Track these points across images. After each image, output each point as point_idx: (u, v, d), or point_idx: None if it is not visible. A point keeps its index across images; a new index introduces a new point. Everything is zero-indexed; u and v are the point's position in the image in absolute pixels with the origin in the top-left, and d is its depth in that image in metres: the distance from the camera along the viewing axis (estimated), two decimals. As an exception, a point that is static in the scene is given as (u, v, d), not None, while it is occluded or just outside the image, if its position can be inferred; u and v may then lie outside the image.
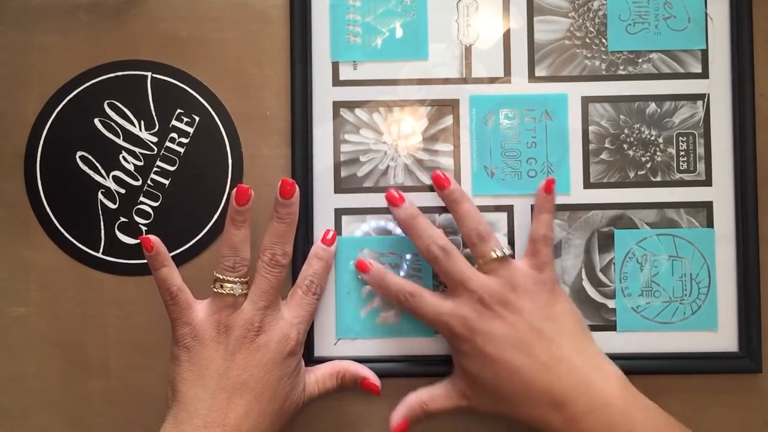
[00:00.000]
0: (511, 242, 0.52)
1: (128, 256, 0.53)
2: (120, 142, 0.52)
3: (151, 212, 0.53)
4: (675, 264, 0.52)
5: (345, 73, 0.53)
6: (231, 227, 0.48)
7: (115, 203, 0.52)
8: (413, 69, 0.52)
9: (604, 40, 0.52)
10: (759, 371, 0.51)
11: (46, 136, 0.53)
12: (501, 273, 0.48)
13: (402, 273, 0.52)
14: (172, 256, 0.52)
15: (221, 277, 0.48)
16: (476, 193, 0.52)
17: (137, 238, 0.51)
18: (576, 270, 0.52)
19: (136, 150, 0.52)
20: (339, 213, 0.52)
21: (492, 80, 0.52)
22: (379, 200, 0.52)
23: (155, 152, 0.53)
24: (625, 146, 0.52)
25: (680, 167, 0.52)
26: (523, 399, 0.46)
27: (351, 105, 0.53)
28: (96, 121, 0.52)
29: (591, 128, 0.52)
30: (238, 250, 0.48)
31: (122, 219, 0.52)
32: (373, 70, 0.53)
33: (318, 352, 0.52)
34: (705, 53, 0.52)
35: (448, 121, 0.52)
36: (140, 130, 0.52)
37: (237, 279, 0.48)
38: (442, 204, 0.52)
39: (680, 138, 0.52)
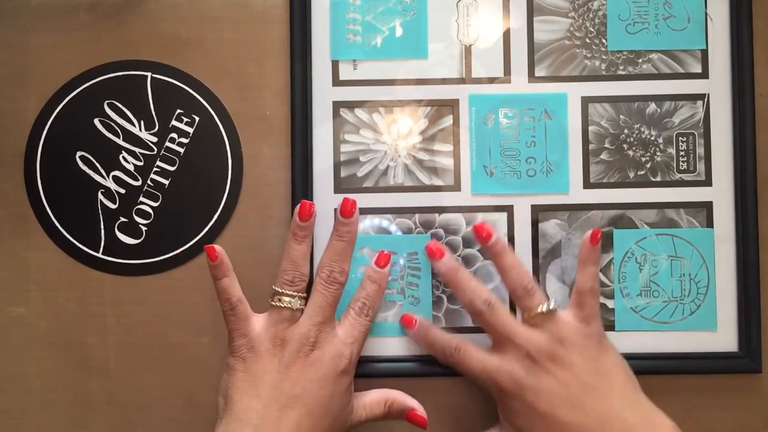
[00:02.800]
0: (511, 241, 0.52)
1: (128, 256, 0.53)
2: (120, 142, 0.52)
3: (151, 212, 0.53)
4: (674, 264, 0.52)
5: (345, 72, 0.53)
6: (292, 242, 0.49)
7: (115, 203, 0.53)
8: (413, 68, 0.52)
9: (604, 40, 0.52)
10: (759, 371, 0.51)
11: (46, 136, 0.53)
12: (548, 327, 0.47)
13: (400, 271, 0.52)
14: (172, 257, 0.52)
15: (280, 290, 0.48)
16: (475, 193, 0.52)
17: (203, 247, 0.50)
18: (575, 270, 0.52)
19: (136, 150, 0.52)
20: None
21: (492, 80, 0.52)
22: (379, 200, 0.52)
23: (155, 152, 0.53)
24: (625, 146, 0.52)
25: (680, 167, 0.52)
26: None
27: (351, 105, 0.53)
28: (96, 121, 0.53)
29: (591, 128, 0.52)
30: (298, 265, 0.49)
31: (122, 219, 0.52)
32: (373, 69, 0.53)
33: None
34: (705, 53, 0.52)
35: (448, 121, 0.52)
36: (140, 130, 0.52)
37: (295, 293, 0.48)
38: (442, 204, 0.52)
39: (680, 138, 0.52)
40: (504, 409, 0.48)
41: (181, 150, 0.53)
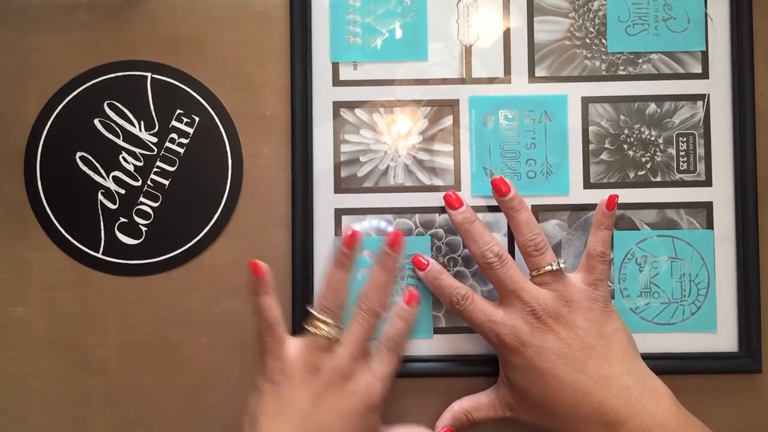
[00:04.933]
0: (511, 242, 0.52)
1: (128, 257, 0.53)
2: (120, 142, 0.52)
3: (151, 212, 0.53)
4: (674, 265, 0.52)
5: (345, 73, 0.53)
6: (336, 269, 0.49)
7: (115, 203, 0.52)
8: (413, 69, 0.52)
9: (604, 41, 0.52)
10: (759, 371, 0.51)
11: (46, 136, 0.53)
12: (555, 287, 0.48)
13: (401, 273, 0.52)
14: (172, 257, 0.52)
15: (319, 317, 0.48)
16: (475, 194, 0.52)
17: (246, 262, 0.50)
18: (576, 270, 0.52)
19: (136, 150, 0.52)
20: (339, 213, 0.52)
21: (492, 80, 0.52)
22: (379, 200, 0.52)
23: (155, 153, 0.53)
24: (625, 146, 0.52)
25: (680, 167, 0.52)
26: (573, 416, 0.45)
27: (351, 105, 0.53)
28: (96, 121, 0.53)
29: (591, 128, 0.52)
30: (339, 293, 0.49)
31: (122, 219, 0.52)
32: (373, 70, 0.53)
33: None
34: (705, 54, 0.52)
35: (448, 121, 0.52)
36: (140, 130, 0.52)
37: (333, 322, 0.48)
38: (442, 204, 0.52)
39: (680, 138, 0.52)
40: (504, 364, 0.48)
41: (181, 150, 0.53)
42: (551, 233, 0.52)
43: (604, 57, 0.52)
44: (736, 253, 0.52)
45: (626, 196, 0.52)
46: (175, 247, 0.53)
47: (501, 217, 0.52)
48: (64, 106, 0.53)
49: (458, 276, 0.52)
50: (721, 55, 0.52)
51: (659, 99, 0.52)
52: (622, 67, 0.52)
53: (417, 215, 0.52)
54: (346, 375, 0.47)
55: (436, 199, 0.52)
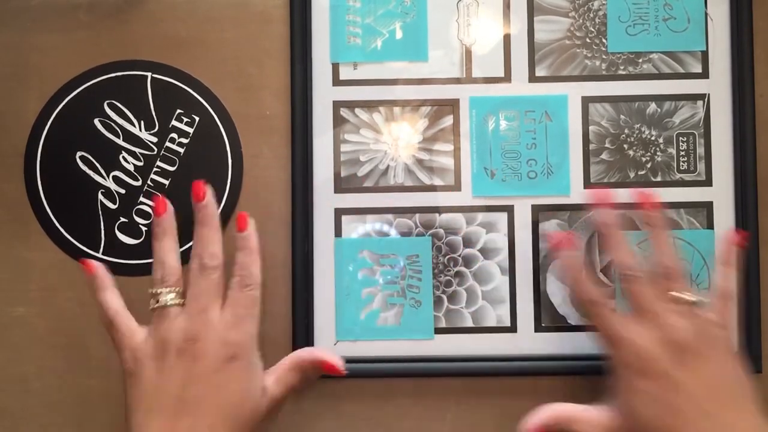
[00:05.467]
0: (512, 243, 0.52)
1: (128, 257, 0.53)
2: (120, 142, 0.52)
3: (152, 212, 0.52)
4: (675, 264, 0.52)
5: (345, 72, 0.53)
6: (153, 240, 0.48)
7: (115, 203, 0.52)
8: (413, 70, 0.52)
9: (604, 40, 0.52)
10: (759, 371, 0.51)
11: (46, 136, 0.53)
12: (694, 320, 0.45)
13: (400, 272, 0.52)
14: None
15: (153, 290, 0.47)
16: (477, 194, 0.52)
17: (82, 263, 0.49)
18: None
19: (136, 150, 0.52)
20: (339, 213, 0.52)
21: (492, 81, 0.52)
22: (379, 200, 0.52)
23: (155, 152, 0.52)
24: (626, 146, 0.52)
25: (680, 167, 0.52)
26: None
27: (351, 105, 0.53)
28: (96, 121, 0.52)
29: (591, 128, 0.52)
30: (163, 262, 0.47)
31: (122, 219, 0.52)
32: (373, 70, 0.52)
33: (318, 352, 0.52)
34: (705, 53, 0.52)
35: (448, 121, 0.52)
36: (140, 130, 0.52)
37: (167, 289, 0.46)
38: (443, 204, 0.52)
39: (680, 138, 0.52)
40: (625, 388, 0.45)
41: (181, 150, 0.53)
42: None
43: (604, 57, 0.52)
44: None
45: (626, 195, 0.52)
46: None
47: (503, 217, 0.52)
48: (64, 105, 0.53)
49: (458, 276, 0.52)
50: (721, 54, 0.52)
51: (659, 99, 0.52)
52: (622, 67, 0.52)
53: (417, 215, 0.52)
54: (193, 337, 0.45)
55: (436, 199, 0.52)
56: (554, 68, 0.52)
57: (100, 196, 0.52)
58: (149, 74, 0.52)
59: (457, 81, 0.52)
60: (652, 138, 0.52)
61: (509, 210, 0.52)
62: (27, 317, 0.53)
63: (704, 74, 0.52)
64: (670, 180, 0.52)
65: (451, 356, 0.52)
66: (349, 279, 0.52)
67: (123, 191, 0.52)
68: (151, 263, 0.50)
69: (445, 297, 0.52)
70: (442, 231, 0.52)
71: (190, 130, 0.53)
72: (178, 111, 0.53)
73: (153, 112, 0.52)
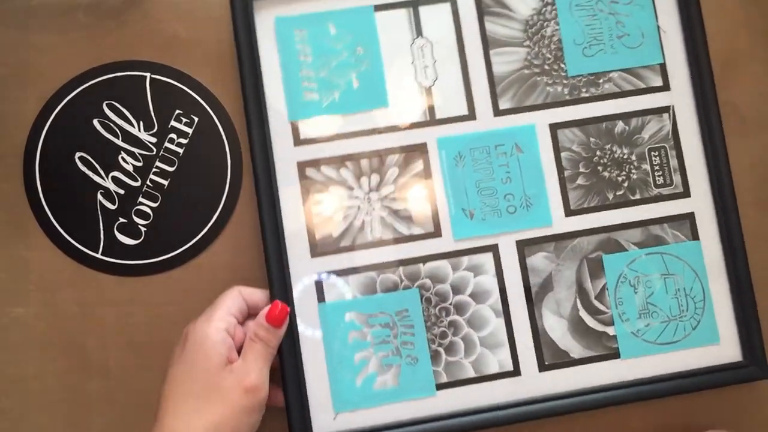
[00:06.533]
0: (501, 282, 0.50)
1: (127, 257, 0.51)
2: (119, 142, 0.52)
3: (151, 213, 0.52)
4: (668, 282, 0.51)
5: (306, 131, 0.50)
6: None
7: (114, 204, 0.51)
8: (376, 118, 0.51)
9: (562, 65, 0.52)
10: (766, 377, 0.50)
11: (45, 136, 0.52)
12: None
13: (392, 330, 0.49)
14: (172, 257, 0.52)
15: None
16: (458, 237, 0.50)
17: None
18: (570, 301, 0.50)
19: (135, 151, 0.52)
20: (319, 281, 0.49)
21: (457, 119, 0.51)
22: (358, 259, 0.50)
23: (154, 153, 0.52)
24: (600, 168, 0.51)
25: (657, 182, 0.52)
26: None
27: (316, 163, 0.50)
28: (95, 121, 0.52)
29: (563, 155, 0.51)
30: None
31: (121, 219, 0.51)
32: (335, 124, 0.50)
33: (317, 429, 0.48)
34: (663, 66, 0.52)
35: (419, 166, 0.51)
36: (139, 130, 0.52)
37: None
38: (426, 252, 0.50)
39: (652, 153, 0.52)
40: None
41: (180, 150, 0.51)
42: (540, 267, 0.50)
43: (565, 81, 0.52)
44: (725, 260, 0.51)
45: (608, 217, 0.51)
46: (174, 247, 0.52)
47: (488, 258, 0.50)
48: (63, 106, 0.52)
49: (452, 325, 0.50)
50: (679, 64, 0.52)
51: (625, 116, 0.52)
52: (584, 89, 0.52)
53: (401, 268, 0.50)
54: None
55: (418, 249, 0.50)
56: (517, 99, 0.51)
57: (99, 197, 0.52)
58: (148, 75, 0.52)
59: (421, 124, 0.51)
60: (625, 156, 0.51)
61: (494, 249, 0.50)
62: (26, 317, 0.51)
63: (665, 86, 0.52)
64: (649, 196, 0.51)
65: (456, 411, 0.49)
66: (339, 345, 0.49)
67: (122, 192, 0.51)
68: (149, 263, 0.51)
69: (442, 350, 0.50)
70: (428, 281, 0.50)
71: (189, 131, 0.52)
72: (177, 111, 0.52)
73: (152, 113, 0.52)
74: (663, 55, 0.52)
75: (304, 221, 0.50)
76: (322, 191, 0.50)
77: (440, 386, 0.49)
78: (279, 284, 0.48)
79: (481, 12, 0.51)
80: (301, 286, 0.49)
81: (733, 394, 0.51)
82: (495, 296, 0.50)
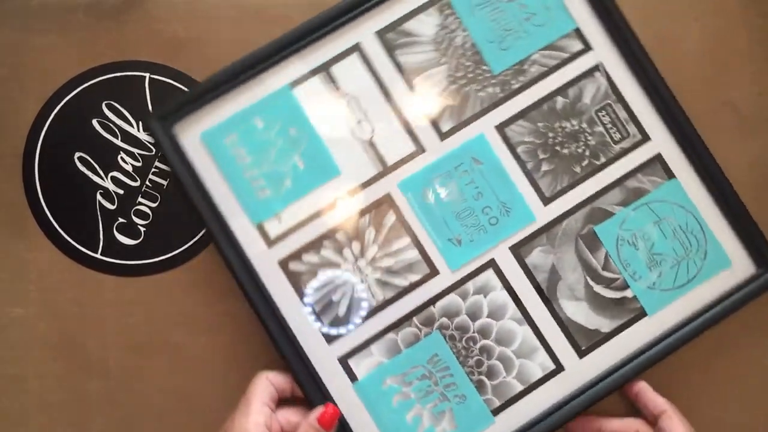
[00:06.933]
0: (512, 291, 0.50)
1: (127, 257, 0.52)
2: (118, 142, 0.52)
3: (150, 213, 0.52)
4: (662, 227, 0.51)
5: (273, 229, 0.50)
6: None
7: (113, 204, 0.52)
8: (333, 188, 0.50)
9: (485, 67, 0.52)
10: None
11: (44, 136, 0.52)
12: None
13: (431, 380, 0.50)
14: (171, 257, 0.52)
15: None
16: (455, 268, 0.50)
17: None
18: (582, 282, 0.51)
19: (135, 151, 0.52)
20: (344, 361, 0.50)
21: (408, 158, 0.51)
22: (371, 328, 0.50)
23: (153, 153, 0.52)
24: (558, 148, 0.52)
25: (615, 138, 0.52)
26: None
27: (296, 256, 0.50)
28: (94, 121, 0.52)
29: (519, 150, 0.51)
30: None
31: (121, 220, 0.52)
32: (298, 211, 0.50)
33: (400, 499, 0.49)
34: (578, 30, 0.52)
35: (391, 217, 0.51)
36: (138, 131, 0.52)
37: None
38: (431, 294, 0.50)
39: (599, 114, 0.52)
40: None
41: None
42: (540, 262, 0.51)
43: (493, 81, 0.52)
44: (705, 185, 0.52)
45: (584, 190, 0.51)
46: (173, 247, 0.52)
47: (489, 276, 0.50)
48: (62, 106, 0.52)
49: (483, 351, 0.50)
50: (591, 21, 0.52)
51: (561, 90, 0.52)
52: (513, 81, 0.52)
53: (414, 318, 0.50)
54: None
55: (423, 295, 0.50)
56: (456, 116, 0.51)
57: (99, 197, 0.52)
58: (147, 75, 0.52)
59: (378, 176, 0.51)
60: (576, 127, 0.52)
61: (492, 264, 0.51)
62: (26, 318, 0.52)
63: (587, 48, 0.52)
64: (613, 155, 0.52)
65: (520, 427, 0.49)
66: (388, 413, 0.49)
67: (121, 192, 0.52)
68: (149, 263, 0.51)
69: (483, 377, 0.50)
70: (445, 319, 0.50)
71: None
72: None
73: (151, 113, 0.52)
74: (573, 19, 0.52)
75: (307, 313, 0.50)
76: (311, 278, 0.50)
77: (495, 411, 0.50)
78: (310, 386, 0.48)
79: (389, 48, 0.51)
80: (328, 376, 0.49)
81: (760, 307, 0.52)
82: (511, 307, 0.50)
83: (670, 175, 0.52)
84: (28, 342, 0.52)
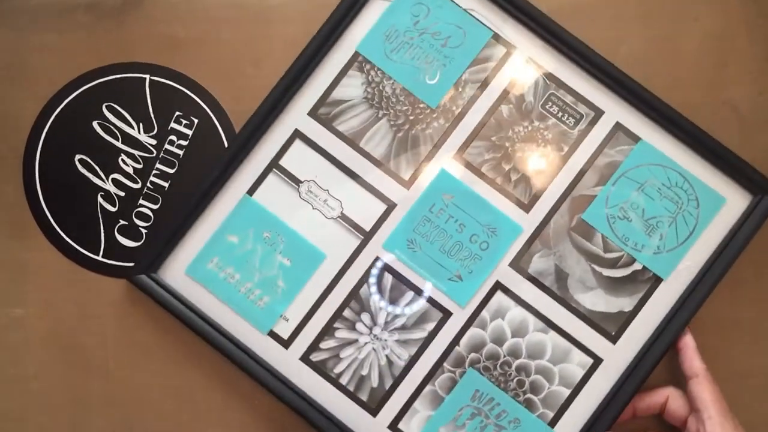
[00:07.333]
0: (526, 305, 0.51)
1: (128, 259, 0.53)
2: (119, 145, 0.52)
3: (151, 215, 0.52)
4: (647, 190, 0.51)
5: (283, 331, 0.51)
6: None
7: (114, 206, 0.52)
8: (326, 273, 0.51)
9: (422, 105, 0.52)
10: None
11: (44, 139, 0.53)
12: None
13: (482, 415, 0.50)
14: None
15: None
16: (465, 302, 0.51)
17: None
18: (589, 271, 0.51)
19: (135, 153, 0.52)
20: (394, 427, 0.51)
21: (382, 220, 0.51)
22: (409, 387, 0.51)
23: (154, 155, 0.53)
24: (520, 154, 0.52)
25: (569, 123, 0.52)
26: None
27: (314, 347, 0.51)
28: (95, 124, 0.52)
29: (484, 169, 0.51)
30: None
31: (122, 222, 0.52)
32: (300, 306, 0.51)
33: None
34: (495, 35, 0.52)
35: (389, 279, 0.51)
36: (139, 132, 0.52)
37: None
38: (453, 334, 0.51)
39: (546, 105, 0.52)
40: None
41: (180, 152, 0.52)
42: (543, 267, 0.51)
43: (434, 115, 0.52)
44: (672, 134, 0.51)
45: (558, 184, 0.51)
46: None
47: (500, 299, 0.51)
48: (62, 108, 0.53)
49: (520, 371, 0.51)
50: (503, 22, 0.52)
51: (502, 98, 0.51)
52: (454, 107, 0.51)
53: (444, 364, 0.51)
54: None
55: (445, 338, 0.51)
56: (413, 160, 0.52)
57: (100, 199, 0.52)
58: (147, 76, 0.53)
59: (362, 245, 0.51)
60: (529, 128, 0.52)
61: (498, 286, 0.51)
62: (26, 318, 0.52)
63: (510, 48, 0.51)
64: (574, 139, 0.51)
65: (582, 430, 0.50)
66: (454, 458, 0.51)
67: (122, 194, 0.52)
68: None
69: (529, 395, 0.51)
70: (474, 354, 0.51)
71: (189, 132, 0.53)
72: (177, 113, 0.53)
73: (152, 115, 0.53)
74: (487, 27, 0.52)
75: (343, 396, 0.51)
76: (337, 362, 0.51)
77: (552, 422, 0.50)
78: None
79: (326, 123, 0.52)
80: (385, 445, 0.51)
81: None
82: (532, 320, 0.51)
83: (635, 138, 0.51)
84: (28, 342, 0.52)
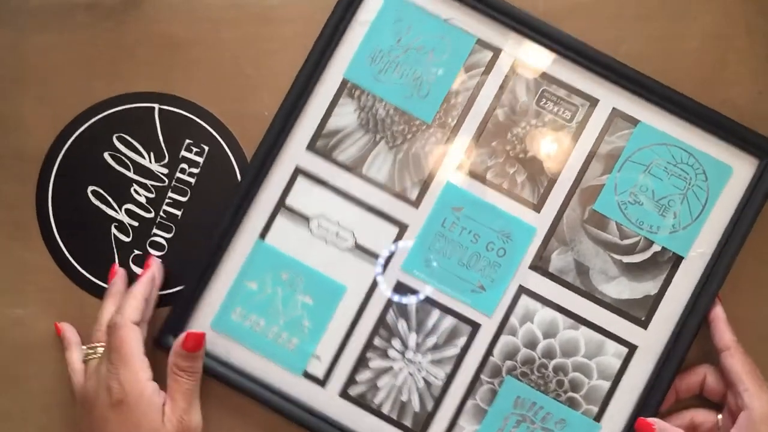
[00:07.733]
0: (553, 304, 0.50)
1: None
2: (131, 175, 0.52)
3: (165, 244, 0.52)
4: (654, 171, 0.51)
5: (317, 369, 0.51)
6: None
7: (128, 236, 0.52)
8: (348, 307, 0.51)
9: (417, 122, 0.51)
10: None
11: (56, 172, 0.53)
12: None
13: (527, 421, 0.50)
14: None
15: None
16: (492, 312, 0.51)
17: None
18: (608, 261, 0.51)
19: (147, 182, 0.53)
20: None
21: (397, 240, 0.51)
22: (450, 405, 0.51)
23: (166, 183, 0.52)
24: (522, 155, 0.51)
25: (566, 117, 0.51)
26: None
27: (350, 381, 0.51)
28: (106, 155, 0.53)
29: (488, 175, 0.51)
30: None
31: (136, 252, 0.52)
32: (330, 344, 0.51)
33: None
34: (480, 40, 0.51)
35: (412, 300, 0.51)
36: (150, 162, 0.52)
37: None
38: (483, 346, 0.50)
39: (541, 103, 0.51)
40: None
41: (192, 180, 0.52)
42: (563, 264, 0.51)
43: (431, 129, 0.51)
44: (668, 111, 0.51)
45: (565, 179, 0.51)
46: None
47: (525, 302, 0.51)
48: (73, 141, 0.53)
49: (558, 371, 0.50)
50: (486, 26, 0.51)
51: (495, 102, 0.51)
52: (448, 119, 0.51)
53: (482, 376, 0.51)
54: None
55: (479, 348, 0.51)
56: (417, 179, 0.51)
57: (114, 230, 0.52)
58: (156, 106, 0.53)
59: (378, 274, 0.51)
60: (527, 128, 0.51)
61: (522, 290, 0.51)
62: (26, 318, 0.52)
63: (497, 51, 0.51)
64: (573, 132, 0.51)
65: (629, 420, 0.50)
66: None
67: (136, 224, 0.52)
68: (166, 294, 0.52)
69: (570, 393, 0.50)
70: (509, 362, 0.51)
71: (200, 160, 0.53)
72: (187, 141, 0.53)
73: (162, 144, 0.53)
74: (470, 33, 0.51)
75: (388, 424, 0.51)
76: (375, 392, 0.51)
77: (597, 417, 0.50)
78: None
79: (325, 154, 0.51)
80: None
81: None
82: (560, 318, 0.51)
83: (633, 122, 0.51)
84: (28, 342, 0.52)
